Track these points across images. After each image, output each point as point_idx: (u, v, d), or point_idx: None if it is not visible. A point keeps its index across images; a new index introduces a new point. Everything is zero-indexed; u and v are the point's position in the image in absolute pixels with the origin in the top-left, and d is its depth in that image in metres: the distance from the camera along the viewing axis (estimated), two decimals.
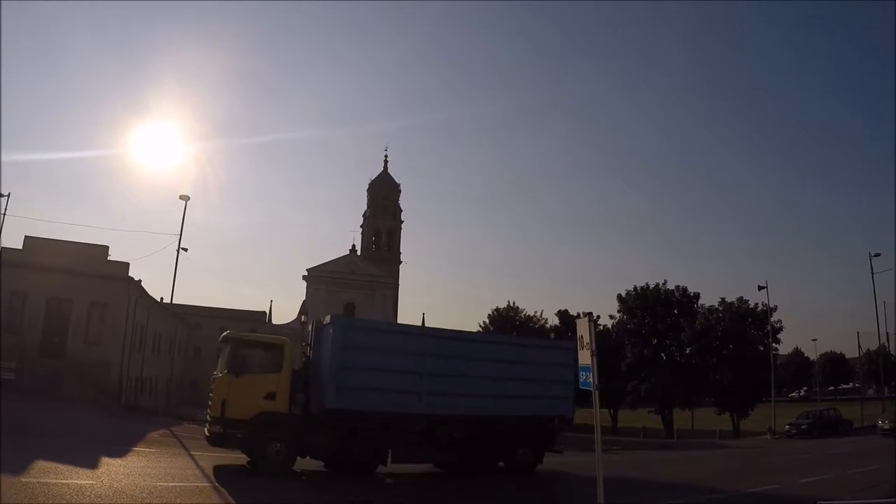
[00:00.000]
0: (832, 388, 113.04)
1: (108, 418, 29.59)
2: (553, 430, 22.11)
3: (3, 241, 38.44)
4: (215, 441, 17.80)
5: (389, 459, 18.71)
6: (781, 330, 56.97)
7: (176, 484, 14.92)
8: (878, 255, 47.63)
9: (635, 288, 64.81)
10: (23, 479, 12.57)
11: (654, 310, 63.22)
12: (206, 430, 18.50)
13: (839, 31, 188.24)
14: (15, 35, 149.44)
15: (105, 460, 16.54)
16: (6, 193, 40.05)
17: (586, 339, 12.64)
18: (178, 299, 42.19)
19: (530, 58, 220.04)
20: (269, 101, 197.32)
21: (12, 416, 22.45)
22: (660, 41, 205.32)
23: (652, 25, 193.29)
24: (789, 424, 46.50)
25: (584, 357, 12.65)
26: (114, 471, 15.46)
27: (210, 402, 18.27)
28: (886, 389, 70.93)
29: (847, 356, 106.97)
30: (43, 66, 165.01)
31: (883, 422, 41.28)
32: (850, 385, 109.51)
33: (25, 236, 37.54)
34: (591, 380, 12.44)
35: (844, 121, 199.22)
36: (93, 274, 37.12)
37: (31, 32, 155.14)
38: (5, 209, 40.09)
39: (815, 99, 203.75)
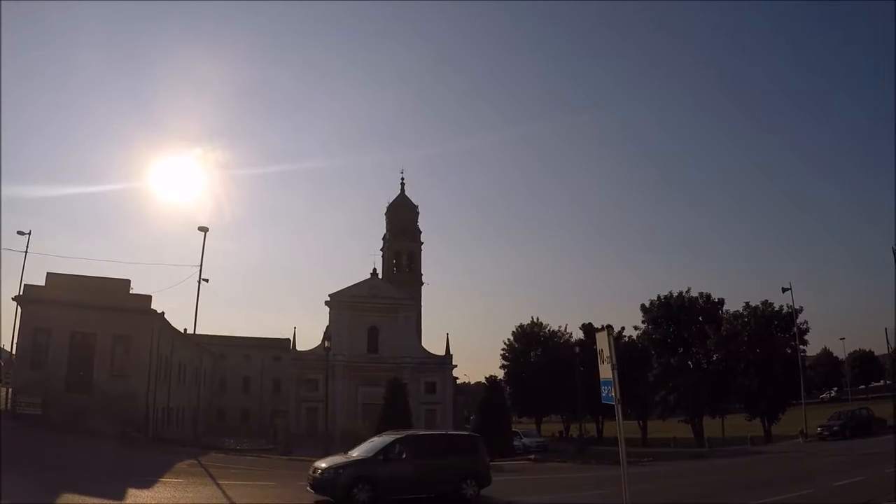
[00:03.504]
0: (863, 386, 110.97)
1: (135, 450, 29.73)
2: None
3: (24, 279, 38.76)
4: None
5: None
6: (808, 331, 56.03)
7: None
8: None
9: (658, 297, 64.08)
10: None
11: (678, 318, 62.54)
12: None
13: (860, 31, 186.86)
14: (39, 66, 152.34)
15: (132, 491, 16.63)
16: (27, 231, 40.67)
17: (606, 353, 12.46)
18: (202, 329, 42.26)
19: (550, 80, 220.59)
20: (285, 121, 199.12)
21: (38, 451, 22.63)
22: (674, 48, 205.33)
23: (666, 37, 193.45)
24: (821, 427, 45.77)
25: (605, 371, 12.49)
26: (140, 502, 15.52)
27: None
28: None
29: (876, 353, 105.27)
30: (61, 96, 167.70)
31: None
32: (882, 382, 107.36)
33: (47, 273, 37.82)
34: (614, 393, 12.29)
35: (864, 118, 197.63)
36: (115, 308, 37.47)
37: (51, 59, 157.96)
38: (27, 247, 40.66)
39: (835, 97, 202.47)
